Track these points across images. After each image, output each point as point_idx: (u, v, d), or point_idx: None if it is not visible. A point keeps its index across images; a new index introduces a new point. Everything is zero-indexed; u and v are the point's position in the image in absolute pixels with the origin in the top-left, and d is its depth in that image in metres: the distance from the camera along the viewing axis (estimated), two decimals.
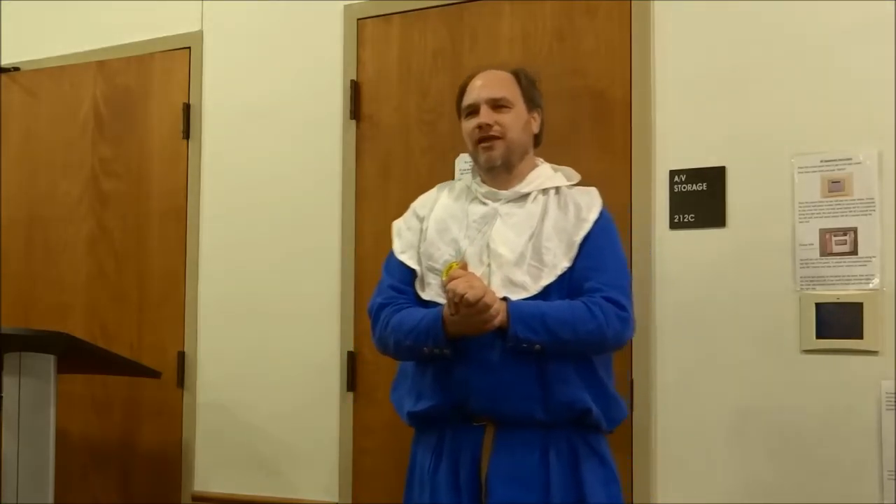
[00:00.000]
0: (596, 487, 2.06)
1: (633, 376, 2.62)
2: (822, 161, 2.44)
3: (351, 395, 3.02)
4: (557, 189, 2.19)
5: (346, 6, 3.13)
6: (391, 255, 2.26)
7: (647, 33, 2.67)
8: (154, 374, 3.00)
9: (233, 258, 3.27)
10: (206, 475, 3.27)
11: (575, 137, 2.76)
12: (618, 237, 2.20)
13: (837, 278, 2.40)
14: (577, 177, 2.26)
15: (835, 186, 2.43)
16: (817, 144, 2.45)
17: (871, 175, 2.39)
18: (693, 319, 2.56)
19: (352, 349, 3.02)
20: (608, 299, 2.05)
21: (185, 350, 3.32)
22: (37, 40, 3.70)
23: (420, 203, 2.31)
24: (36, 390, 2.65)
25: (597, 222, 2.14)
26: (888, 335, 2.34)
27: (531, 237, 2.11)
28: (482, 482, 2.05)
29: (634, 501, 2.59)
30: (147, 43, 3.47)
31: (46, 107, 3.66)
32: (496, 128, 2.15)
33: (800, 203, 2.46)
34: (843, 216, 2.41)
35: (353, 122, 3.08)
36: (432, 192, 2.33)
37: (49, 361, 2.65)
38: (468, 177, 2.30)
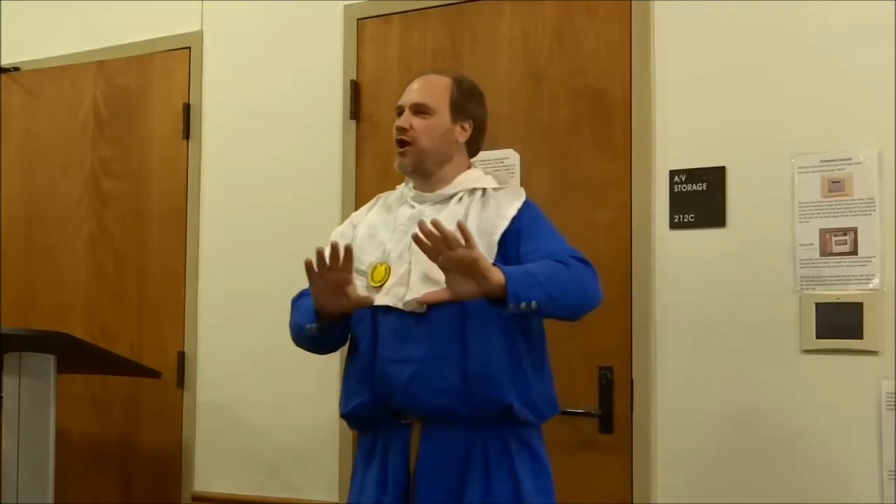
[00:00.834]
0: (526, 480, 2.08)
1: (633, 376, 2.62)
2: (822, 161, 2.44)
3: None
4: (483, 191, 2.21)
5: (346, 6, 3.13)
6: None
7: (647, 33, 2.67)
8: (154, 374, 3.01)
9: (233, 258, 3.27)
10: (206, 475, 3.27)
11: (575, 137, 2.76)
12: (548, 220, 2.19)
13: (837, 278, 2.40)
14: (509, 182, 2.31)
15: (835, 186, 2.43)
16: (817, 144, 2.45)
17: (871, 175, 2.39)
18: (693, 319, 2.56)
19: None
20: (576, 258, 2.07)
21: (185, 350, 3.32)
22: (37, 40, 3.70)
23: (358, 212, 2.37)
24: (36, 390, 2.66)
25: (519, 214, 2.14)
26: (888, 335, 2.34)
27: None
28: (411, 478, 2.07)
29: (634, 501, 2.59)
30: (147, 43, 3.47)
31: (46, 107, 3.66)
32: (409, 132, 2.18)
33: (800, 203, 2.46)
34: (843, 216, 2.41)
35: (353, 122, 3.08)
36: (369, 204, 2.38)
37: (49, 361, 2.65)
38: (403, 184, 2.32)
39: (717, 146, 2.57)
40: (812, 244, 2.44)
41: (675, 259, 2.59)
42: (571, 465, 2.66)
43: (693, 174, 2.59)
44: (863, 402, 2.36)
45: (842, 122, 2.43)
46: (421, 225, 1.92)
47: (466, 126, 2.24)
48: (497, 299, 1.94)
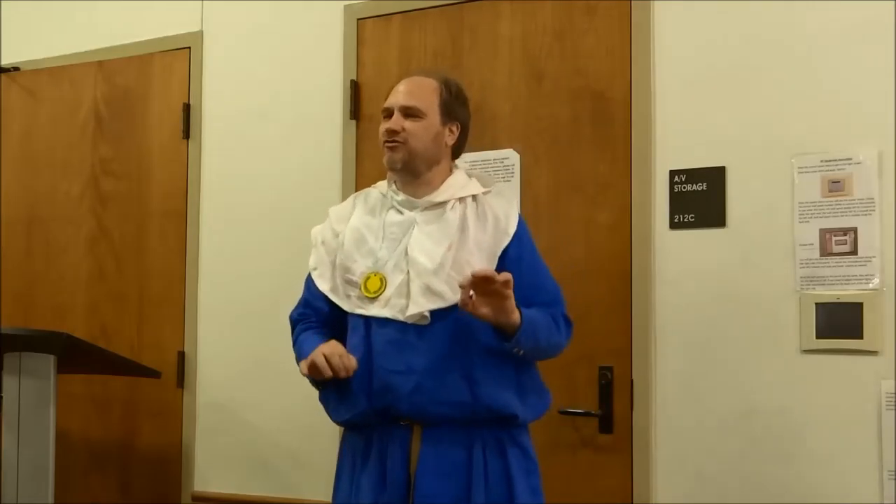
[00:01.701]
0: (519, 479, 2.09)
1: (633, 376, 2.62)
2: (822, 161, 2.44)
3: None
4: (474, 197, 2.20)
5: (346, 6, 3.13)
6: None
7: (647, 33, 2.67)
8: (154, 374, 3.01)
9: (233, 258, 3.27)
10: (206, 475, 3.27)
11: (575, 137, 2.76)
12: (533, 242, 2.23)
13: (837, 278, 2.40)
14: (491, 182, 2.28)
15: (835, 186, 2.43)
16: (817, 144, 2.45)
17: (871, 175, 2.39)
18: (693, 319, 2.56)
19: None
20: (563, 316, 2.17)
21: (185, 350, 3.33)
22: (37, 40, 3.70)
23: (336, 216, 2.32)
24: (36, 390, 2.66)
25: (515, 234, 2.17)
26: (888, 335, 2.34)
27: (450, 248, 2.12)
28: (411, 479, 2.07)
29: (634, 501, 2.59)
30: (147, 43, 3.47)
31: (46, 107, 3.66)
32: (402, 134, 2.17)
33: (800, 203, 2.46)
34: (843, 216, 2.41)
35: (353, 122, 3.08)
36: (348, 203, 2.35)
37: (49, 361, 2.65)
38: (383, 184, 2.30)
39: (717, 146, 2.57)
40: (812, 244, 2.44)
41: (675, 259, 2.60)
42: (571, 465, 2.66)
43: (693, 174, 2.59)
44: (863, 402, 2.36)
45: (842, 122, 2.43)
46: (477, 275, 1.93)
47: (454, 128, 2.24)
48: (500, 329, 2.01)
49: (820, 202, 2.44)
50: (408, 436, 2.09)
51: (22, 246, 3.65)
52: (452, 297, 2.06)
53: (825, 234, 2.43)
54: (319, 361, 2.02)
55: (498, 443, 2.09)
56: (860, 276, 2.38)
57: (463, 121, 2.25)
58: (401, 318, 2.08)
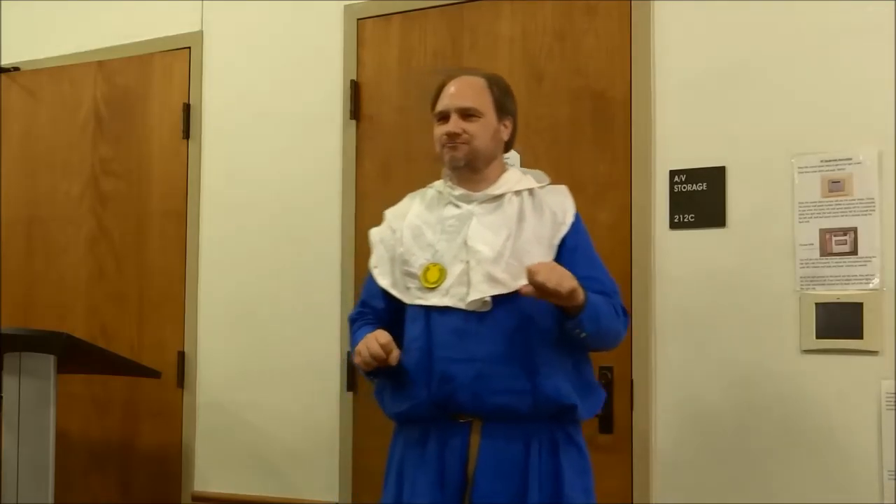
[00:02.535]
0: (573, 477, 2.09)
1: (633, 376, 2.62)
2: (822, 161, 2.44)
3: (351, 395, 3.02)
4: (530, 191, 2.22)
5: (346, 6, 3.13)
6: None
7: (647, 33, 2.67)
8: (154, 374, 3.01)
9: (233, 258, 3.27)
10: (206, 475, 3.27)
11: (575, 137, 2.76)
12: (589, 236, 2.25)
13: (837, 278, 2.40)
14: (546, 179, 2.29)
15: (835, 186, 2.43)
16: (817, 144, 2.45)
17: (871, 175, 2.39)
18: (693, 319, 2.56)
19: (352, 349, 3.02)
20: (621, 307, 2.17)
21: (185, 350, 3.33)
22: (37, 40, 3.70)
23: (393, 214, 2.34)
24: (36, 390, 2.66)
25: (573, 225, 2.18)
26: (888, 335, 2.34)
27: (508, 237, 2.13)
28: (468, 478, 2.07)
29: (634, 501, 2.59)
30: (147, 43, 3.47)
31: (46, 107, 3.66)
32: (464, 136, 2.18)
33: (800, 203, 2.46)
34: (843, 216, 2.41)
35: (353, 122, 3.08)
36: (405, 202, 2.36)
37: (49, 361, 2.65)
38: (439, 183, 2.31)
39: (717, 146, 2.57)
40: (812, 244, 2.44)
41: (675, 259, 2.60)
42: None
43: (693, 174, 2.59)
44: (863, 402, 2.36)
45: (842, 122, 2.43)
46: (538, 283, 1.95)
47: (508, 123, 2.26)
48: (565, 311, 2.03)
49: (820, 202, 2.44)
50: (466, 433, 2.09)
51: (22, 246, 3.65)
52: (513, 283, 2.07)
53: (825, 234, 2.43)
54: (357, 360, 2.09)
55: (554, 441, 2.09)
56: (860, 276, 2.38)
57: (514, 114, 2.28)
58: (461, 305, 2.09)
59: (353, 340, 2.23)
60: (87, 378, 3.33)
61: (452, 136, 2.18)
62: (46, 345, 2.66)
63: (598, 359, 2.65)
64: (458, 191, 2.22)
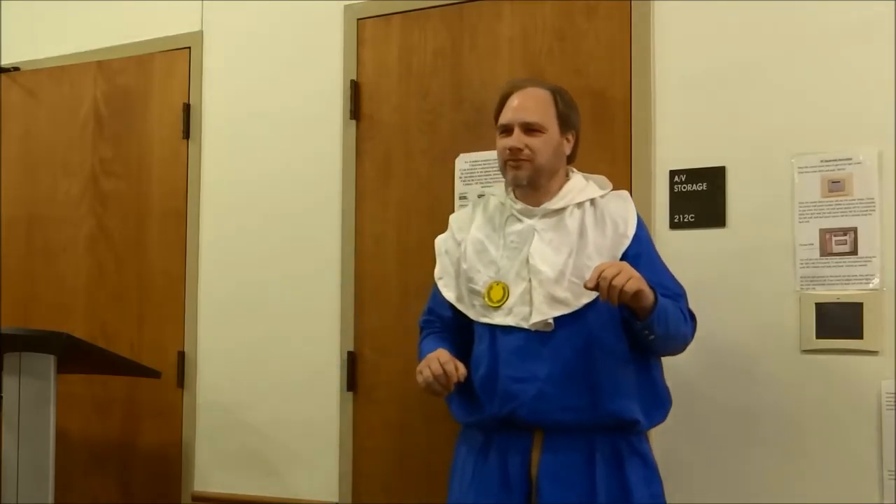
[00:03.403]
0: (640, 487, 2.11)
1: None
2: (822, 161, 2.44)
3: (351, 395, 3.02)
4: (592, 201, 2.23)
5: (346, 6, 3.13)
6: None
7: (647, 33, 2.67)
8: (154, 374, 3.00)
9: (233, 258, 3.27)
10: (206, 475, 3.27)
11: None
12: (652, 242, 2.29)
13: (837, 278, 2.40)
14: (609, 185, 2.30)
15: (835, 186, 2.43)
16: (817, 144, 2.45)
17: (871, 175, 2.39)
18: None
19: (352, 349, 3.02)
20: (689, 310, 2.21)
21: (185, 350, 3.32)
22: (37, 40, 3.70)
23: (457, 224, 2.36)
24: (36, 390, 2.66)
25: (635, 235, 2.20)
26: (888, 335, 2.34)
27: (570, 254, 2.15)
28: (532, 483, 2.10)
29: None
30: (147, 43, 3.47)
31: (46, 107, 3.66)
32: (526, 151, 2.19)
33: (800, 203, 2.46)
34: (843, 216, 2.41)
35: (353, 122, 3.08)
36: (468, 210, 2.39)
37: (49, 361, 2.65)
38: (501, 192, 2.32)
39: (717, 146, 2.56)
40: (812, 244, 2.44)
41: (675, 259, 2.58)
42: None
43: (693, 174, 2.59)
44: (863, 402, 2.36)
45: (842, 122, 2.43)
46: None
47: (571, 137, 2.27)
48: (634, 313, 2.05)
49: (820, 202, 2.44)
50: (528, 442, 2.12)
51: (22, 246, 3.65)
52: (575, 303, 2.10)
53: (825, 234, 2.43)
54: (420, 379, 2.11)
55: (617, 451, 2.11)
56: (860, 276, 2.38)
57: (577, 127, 2.28)
58: (525, 325, 2.12)
59: (420, 351, 2.28)
60: (87, 378, 3.33)
61: (515, 151, 2.19)
62: (46, 345, 2.66)
63: None
64: (519, 204, 2.24)
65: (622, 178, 2.67)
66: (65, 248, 3.57)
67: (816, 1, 2.47)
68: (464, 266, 2.25)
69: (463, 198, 2.85)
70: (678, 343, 2.19)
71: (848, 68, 2.43)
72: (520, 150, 2.19)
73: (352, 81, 3.09)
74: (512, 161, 2.20)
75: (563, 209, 2.21)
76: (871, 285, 2.37)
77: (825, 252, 2.42)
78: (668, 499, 2.53)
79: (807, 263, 2.44)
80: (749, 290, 2.50)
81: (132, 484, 3.39)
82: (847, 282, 2.39)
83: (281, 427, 3.14)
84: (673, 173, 2.61)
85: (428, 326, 2.36)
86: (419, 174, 2.96)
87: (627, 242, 2.18)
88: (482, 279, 2.20)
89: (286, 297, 3.17)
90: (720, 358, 2.52)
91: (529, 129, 2.20)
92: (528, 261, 2.15)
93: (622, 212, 2.23)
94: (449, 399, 2.27)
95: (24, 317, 3.57)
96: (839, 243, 2.41)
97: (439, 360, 2.09)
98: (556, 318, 2.11)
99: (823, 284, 2.42)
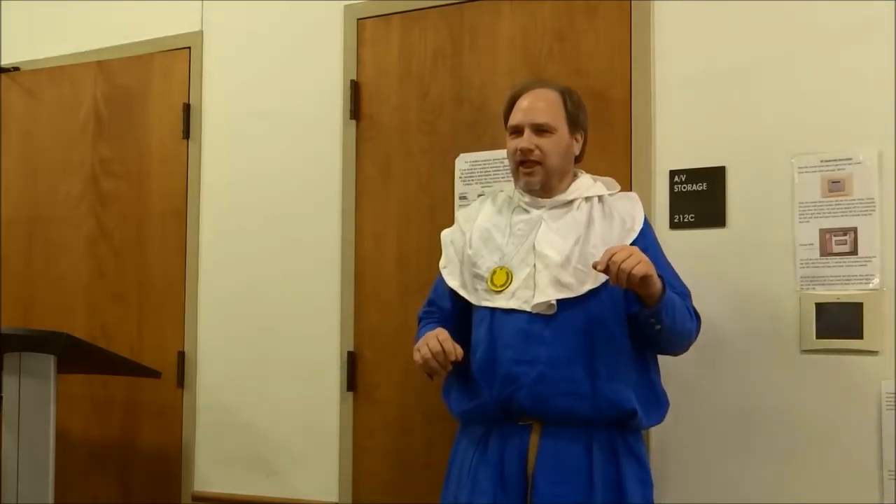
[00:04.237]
0: (634, 487, 2.12)
1: None
2: (822, 161, 2.44)
3: (351, 395, 3.02)
4: (600, 197, 2.25)
5: (346, 6, 3.13)
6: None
7: (647, 33, 2.67)
8: (154, 374, 3.01)
9: (233, 258, 3.27)
10: (206, 475, 3.27)
11: None
12: (658, 242, 2.29)
13: (837, 278, 2.40)
14: (617, 186, 2.32)
15: (835, 186, 2.43)
16: (817, 144, 2.45)
17: (871, 175, 2.39)
18: None
19: (352, 349, 3.02)
20: (694, 309, 2.23)
21: (185, 350, 3.32)
22: (37, 40, 3.70)
23: (464, 216, 2.39)
24: (36, 390, 2.66)
25: (641, 231, 2.22)
26: (888, 335, 2.34)
27: (577, 242, 2.16)
28: (528, 479, 2.10)
29: None
30: (147, 43, 3.47)
31: (46, 107, 3.66)
32: (536, 153, 2.21)
33: (800, 203, 2.46)
34: (843, 216, 2.41)
35: (353, 122, 3.08)
36: (475, 205, 2.41)
37: (49, 361, 2.65)
38: (509, 187, 2.34)
39: (717, 146, 2.56)
40: (812, 244, 2.44)
41: (675, 259, 2.58)
42: None
43: (693, 174, 2.59)
44: (863, 402, 2.36)
45: (842, 122, 2.43)
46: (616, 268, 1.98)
47: (580, 137, 2.29)
48: (642, 301, 2.06)
49: (820, 202, 2.44)
50: (526, 436, 2.12)
51: (22, 246, 3.65)
52: (579, 288, 2.10)
53: (825, 234, 2.43)
54: (417, 357, 2.12)
55: (614, 450, 2.12)
56: (860, 276, 2.38)
57: (586, 127, 2.30)
58: (527, 308, 2.12)
59: (417, 338, 2.27)
60: (87, 378, 3.33)
61: (525, 152, 2.20)
62: (46, 345, 2.66)
63: None
64: (528, 197, 2.26)
65: (622, 178, 2.67)
66: (65, 248, 3.57)
67: (816, 1, 2.47)
68: (468, 252, 2.26)
69: (463, 198, 2.85)
70: (683, 339, 2.19)
71: (848, 68, 2.43)
72: (531, 150, 2.20)
73: (352, 81, 3.09)
74: (524, 167, 2.22)
75: (571, 202, 2.24)
76: (871, 285, 2.37)
77: (825, 252, 2.42)
78: (668, 499, 2.55)
79: (807, 263, 2.44)
80: (749, 290, 2.50)
81: (132, 484, 3.39)
82: (847, 282, 2.39)
83: (281, 427, 3.14)
84: (673, 173, 2.61)
85: (427, 317, 2.37)
86: (419, 174, 2.97)
87: (633, 236, 2.19)
88: (486, 264, 2.21)
89: (286, 297, 3.17)
90: (720, 358, 2.52)
91: (540, 129, 2.21)
92: (534, 247, 2.17)
93: (630, 210, 2.25)
94: (447, 392, 2.28)
95: (24, 317, 3.57)
96: (839, 243, 2.41)
97: (437, 338, 2.10)
98: (559, 303, 2.11)
99: (823, 284, 2.42)
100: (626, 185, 2.66)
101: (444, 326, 2.23)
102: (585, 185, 2.28)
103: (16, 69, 3.72)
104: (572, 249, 2.15)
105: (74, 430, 3.42)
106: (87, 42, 3.59)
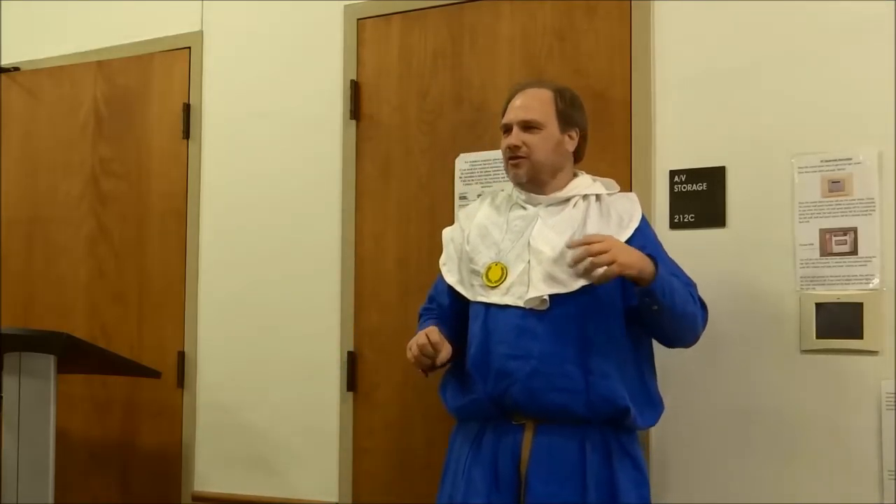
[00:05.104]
0: (628, 489, 2.12)
1: None
2: (822, 161, 2.44)
3: (351, 395, 3.02)
4: (598, 196, 2.26)
5: (346, 6, 3.13)
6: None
7: (647, 33, 2.67)
8: (154, 374, 3.01)
9: (233, 258, 3.27)
10: (206, 475, 3.27)
11: None
12: (658, 239, 2.30)
13: (837, 278, 2.40)
14: (616, 187, 2.33)
15: (835, 186, 2.43)
16: (817, 144, 2.45)
17: (871, 175, 2.39)
18: None
19: (352, 349, 3.02)
20: (699, 297, 2.22)
21: (185, 350, 3.32)
22: (37, 40, 3.70)
23: (465, 214, 2.41)
24: (36, 390, 2.66)
25: (639, 228, 2.22)
26: (888, 335, 2.34)
27: (572, 238, 2.16)
28: (521, 479, 2.10)
29: None
30: (147, 43, 3.47)
31: (46, 107, 3.66)
32: (523, 149, 2.23)
33: (800, 203, 2.46)
34: (843, 216, 2.41)
35: (353, 122, 3.08)
36: (476, 204, 2.43)
37: (49, 361, 2.65)
38: (509, 186, 2.36)
39: (717, 146, 2.57)
40: (812, 244, 2.44)
41: (675, 259, 2.59)
42: None
43: (693, 174, 2.59)
44: (863, 402, 2.36)
45: (842, 122, 2.43)
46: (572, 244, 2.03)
47: (573, 134, 2.29)
48: (637, 283, 2.07)
49: (820, 202, 2.44)
50: (519, 435, 2.13)
51: (22, 246, 3.65)
52: (572, 284, 2.11)
53: (825, 234, 2.43)
54: (409, 355, 2.16)
55: (608, 450, 2.12)
56: (860, 276, 2.38)
57: (581, 126, 2.31)
58: (520, 303, 2.13)
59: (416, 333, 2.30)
60: (87, 378, 3.33)
61: (513, 149, 2.23)
62: (46, 345, 2.66)
63: None
64: (525, 194, 2.28)
65: (622, 178, 2.67)
66: (65, 248, 3.57)
67: (816, 1, 2.47)
68: (466, 248, 2.28)
69: (463, 198, 2.85)
70: (687, 324, 2.17)
71: (848, 68, 2.43)
72: (517, 146, 2.23)
73: (352, 81, 3.09)
74: (512, 160, 2.25)
75: (567, 200, 2.25)
76: (871, 285, 2.37)
77: (825, 252, 2.42)
78: (667, 499, 2.55)
79: (807, 263, 2.44)
80: (749, 290, 2.50)
81: (132, 484, 3.39)
82: (847, 282, 2.39)
83: (281, 427, 3.14)
84: (673, 173, 2.61)
85: (426, 313, 2.39)
86: (419, 174, 2.97)
87: (629, 233, 2.20)
88: (482, 260, 2.23)
89: (286, 296, 3.17)
90: (720, 357, 2.52)
91: (527, 126, 2.24)
92: (529, 243, 2.18)
93: (629, 210, 2.26)
94: (444, 388, 2.29)
95: (24, 317, 3.57)
96: (839, 243, 2.41)
97: (426, 334, 2.14)
98: (554, 299, 2.12)
99: (823, 284, 2.42)
100: (626, 185, 2.66)
101: (442, 323, 2.26)
102: (584, 184, 2.29)
103: (16, 69, 3.72)
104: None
105: (74, 430, 3.42)
106: (87, 42, 3.59)
